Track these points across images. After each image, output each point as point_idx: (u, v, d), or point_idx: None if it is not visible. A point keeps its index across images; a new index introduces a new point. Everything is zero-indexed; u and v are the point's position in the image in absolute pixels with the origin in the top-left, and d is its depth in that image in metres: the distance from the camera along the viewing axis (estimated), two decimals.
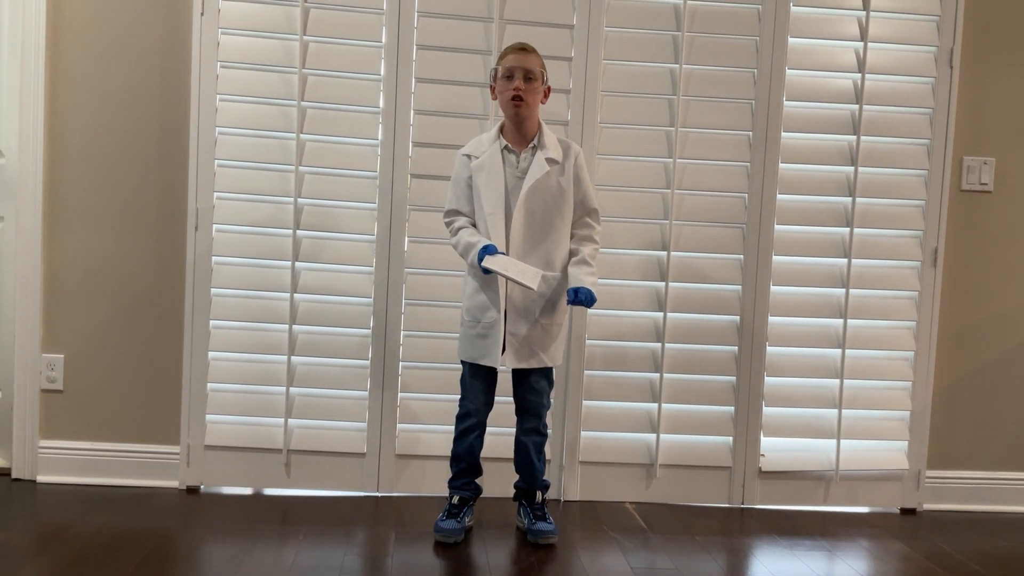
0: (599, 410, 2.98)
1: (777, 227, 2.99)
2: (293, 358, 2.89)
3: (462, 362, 2.62)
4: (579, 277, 2.52)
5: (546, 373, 2.62)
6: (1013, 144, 3.08)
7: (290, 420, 2.90)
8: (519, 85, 2.50)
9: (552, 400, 2.76)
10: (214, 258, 2.87)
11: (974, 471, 3.13)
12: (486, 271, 2.45)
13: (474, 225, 2.58)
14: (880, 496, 3.07)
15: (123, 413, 2.91)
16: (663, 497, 3.01)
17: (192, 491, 2.91)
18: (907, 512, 3.07)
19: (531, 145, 2.56)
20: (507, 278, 2.44)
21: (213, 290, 2.88)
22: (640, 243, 2.96)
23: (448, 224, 2.62)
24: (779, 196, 2.99)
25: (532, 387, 2.59)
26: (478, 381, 2.59)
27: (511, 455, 2.67)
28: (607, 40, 2.93)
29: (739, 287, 2.99)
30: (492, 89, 2.61)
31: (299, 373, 2.89)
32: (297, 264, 2.88)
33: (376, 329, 2.90)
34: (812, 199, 3.02)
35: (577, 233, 2.61)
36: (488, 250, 2.44)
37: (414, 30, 2.88)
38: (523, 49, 2.54)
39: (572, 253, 2.58)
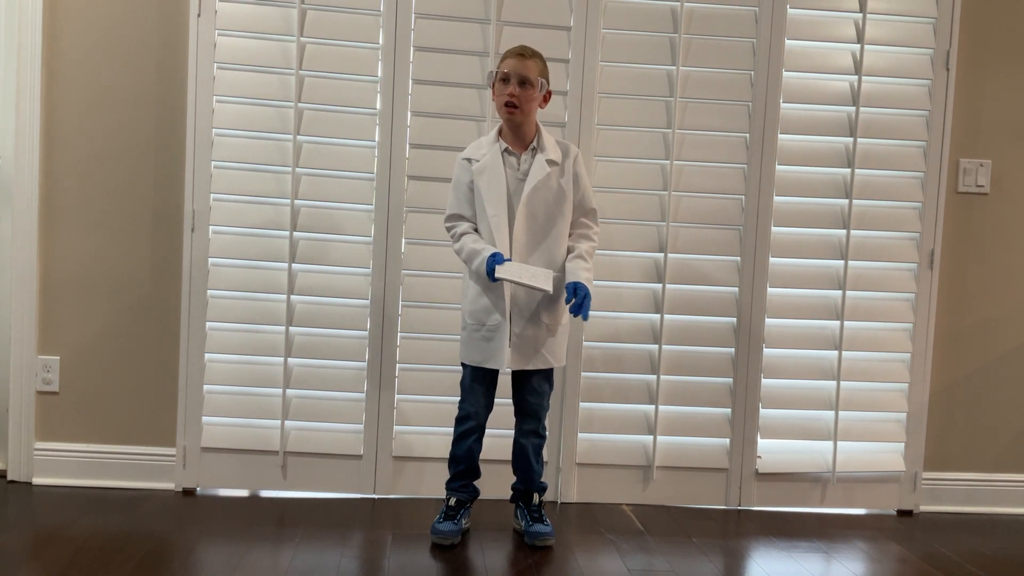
0: (596, 412, 2.98)
1: (774, 229, 3.00)
2: (290, 360, 2.88)
3: (463, 365, 2.62)
4: (576, 272, 2.52)
5: (547, 375, 2.62)
6: (1009, 146, 3.09)
7: (287, 422, 2.89)
8: (513, 91, 2.50)
9: (550, 402, 2.77)
10: (211, 260, 2.86)
11: (971, 473, 3.13)
12: (496, 280, 2.45)
13: (476, 230, 2.58)
14: (877, 498, 3.08)
15: (119, 415, 2.91)
16: (660, 499, 3.01)
17: (188, 493, 2.90)
18: (904, 514, 3.07)
19: (531, 147, 2.57)
20: (520, 285, 2.44)
21: (210, 292, 2.87)
22: (637, 245, 2.96)
23: (449, 229, 2.61)
24: (776, 198, 2.99)
25: (533, 389, 2.59)
26: (479, 385, 2.59)
27: (509, 457, 2.67)
28: (604, 42, 2.93)
29: (736, 289, 2.99)
30: (492, 88, 2.61)
31: (296, 375, 2.89)
32: (294, 266, 2.87)
33: (373, 331, 2.90)
34: (809, 201, 3.02)
35: (575, 232, 2.61)
36: (496, 259, 2.44)
37: (411, 32, 2.87)
38: (521, 55, 2.53)
39: (569, 250, 2.58)
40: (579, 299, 2.46)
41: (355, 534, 2.61)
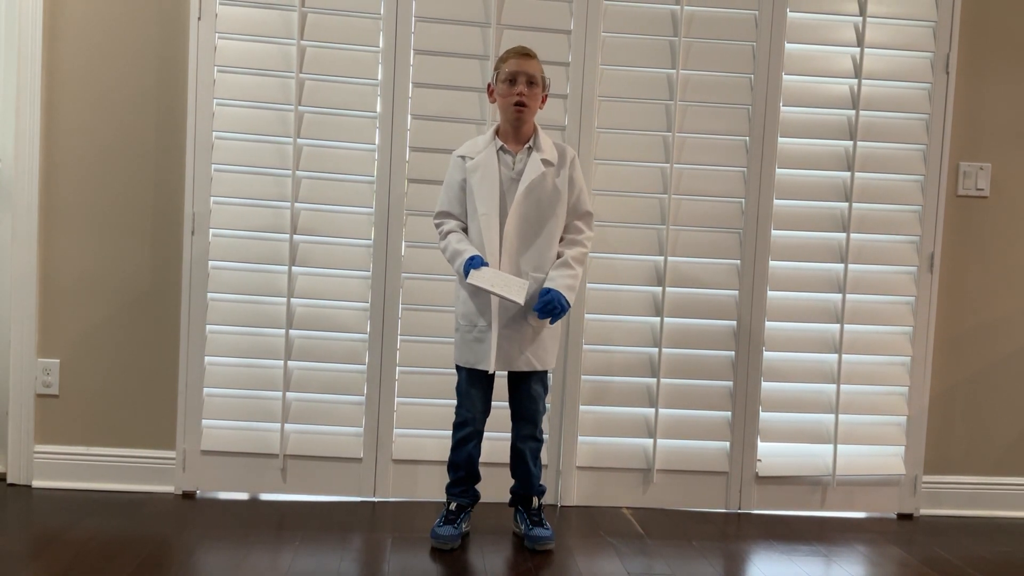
0: (596, 415, 2.98)
1: (774, 232, 3.00)
2: (290, 363, 2.88)
3: (458, 369, 2.62)
4: (554, 279, 2.51)
5: (542, 378, 2.62)
6: (1009, 149, 3.09)
7: (287, 425, 2.89)
8: (522, 91, 2.51)
9: (548, 405, 2.76)
10: (211, 262, 2.87)
11: (971, 476, 3.13)
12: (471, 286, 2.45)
13: (464, 229, 2.58)
14: (877, 501, 3.07)
15: (119, 418, 2.91)
16: (660, 502, 3.01)
17: (188, 496, 2.90)
18: (904, 517, 3.07)
19: (527, 146, 2.57)
20: (492, 293, 2.43)
21: (210, 294, 2.87)
22: (637, 248, 2.96)
23: (437, 226, 2.61)
24: (776, 201, 2.99)
25: (529, 393, 2.59)
26: (475, 389, 2.58)
27: (507, 460, 2.67)
28: (604, 45, 2.93)
29: (736, 292, 2.99)
30: (489, 91, 2.61)
31: (296, 378, 2.89)
32: (294, 268, 2.87)
33: (373, 334, 2.90)
34: (809, 204, 3.02)
35: (566, 236, 2.60)
36: (473, 262, 2.44)
37: (411, 35, 2.88)
38: (526, 54, 2.54)
39: (558, 255, 2.58)
40: (541, 303, 2.45)
41: (355, 537, 2.61)
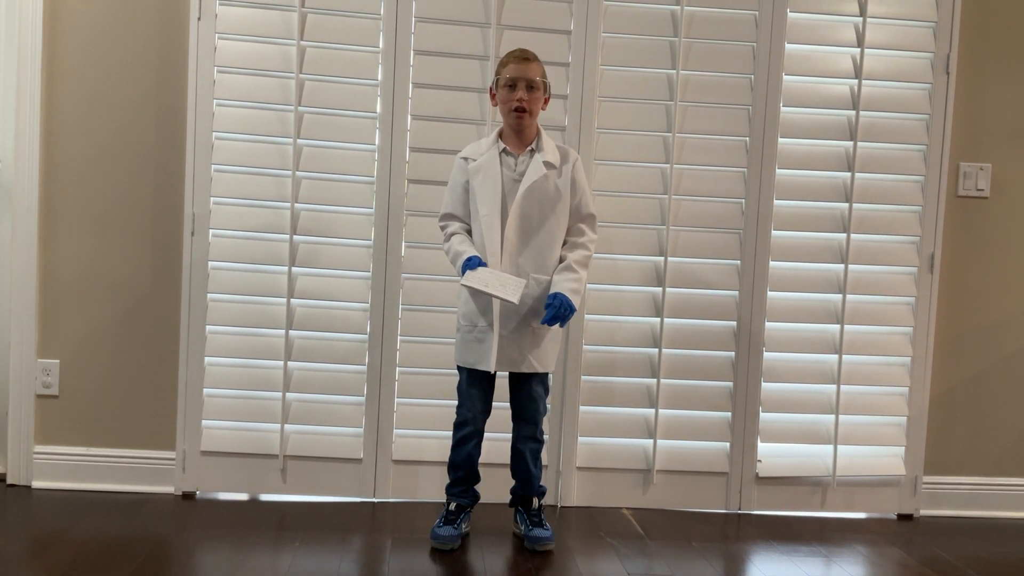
0: (596, 415, 2.98)
1: (774, 232, 3.00)
2: (290, 363, 2.88)
3: (459, 369, 2.62)
4: (559, 283, 2.51)
5: (543, 379, 2.62)
6: (1010, 150, 3.09)
7: (287, 425, 2.89)
8: (522, 96, 2.50)
9: (548, 406, 2.76)
10: (211, 263, 2.86)
11: (971, 477, 3.13)
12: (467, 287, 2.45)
13: (468, 231, 2.58)
14: (877, 502, 3.07)
15: (119, 418, 2.91)
16: (660, 503, 3.01)
17: (188, 497, 2.90)
18: (904, 518, 3.07)
19: (529, 149, 2.57)
20: (487, 294, 2.43)
21: (209, 295, 2.87)
22: (637, 248, 2.96)
23: (442, 228, 2.62)
24: (776, 202, 2.99)
25: (529, 394, 2.59)
26: (475, 389, 2.58)
27: (507, 461, 2.67)
28: (604, 46, 2.93)
29: (736, 292, 2.99)
30: (491, 94, 2.61)
31: (296, 378, 2.89)
32: (294, 269, 2.87)
33: (373, 334, 2.90)
34: (809, 205, 3.02)
35: (569, 239, 2.60)
36: (471, 264, 2.44)
37: (411, 35, 2.88)
38: (525, 58, 2.54)
39: (561, 259, 2.58)
40: (551, 312, 2.45)
41: (355, 538, 2.61)
